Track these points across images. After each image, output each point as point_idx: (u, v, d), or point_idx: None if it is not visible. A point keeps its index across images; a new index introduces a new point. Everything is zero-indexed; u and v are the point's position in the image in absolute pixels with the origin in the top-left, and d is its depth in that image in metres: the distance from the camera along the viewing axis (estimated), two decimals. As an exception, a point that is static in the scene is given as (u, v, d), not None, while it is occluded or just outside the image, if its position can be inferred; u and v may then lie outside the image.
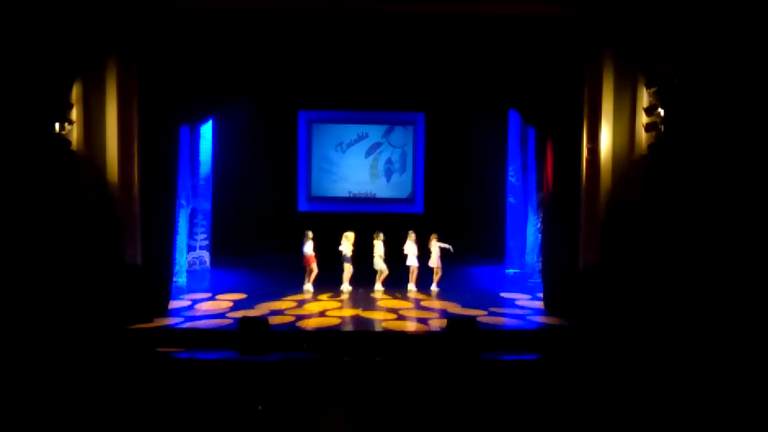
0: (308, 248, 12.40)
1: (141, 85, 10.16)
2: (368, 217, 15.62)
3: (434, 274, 12.58)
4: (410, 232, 12.61)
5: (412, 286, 12.46)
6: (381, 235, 12.58)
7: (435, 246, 12.54)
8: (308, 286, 12.26)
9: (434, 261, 12.53)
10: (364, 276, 12.61)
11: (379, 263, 12.42)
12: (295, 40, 10.39)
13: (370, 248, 12.49)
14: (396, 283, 12.48)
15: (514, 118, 13.85)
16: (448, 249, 12.56)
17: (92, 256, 9.78)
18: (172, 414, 5.48)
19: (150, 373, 6.67)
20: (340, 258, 12.36)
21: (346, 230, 12.53)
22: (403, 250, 12.54)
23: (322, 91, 14.39)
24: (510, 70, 10.59)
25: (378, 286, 12.39)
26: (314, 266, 12.38)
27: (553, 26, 10.32)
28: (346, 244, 12.39)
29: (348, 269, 12.41)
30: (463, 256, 14.48)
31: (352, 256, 12.40)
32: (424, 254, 12.59)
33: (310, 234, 12.52)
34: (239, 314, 10.07)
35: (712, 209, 9.53)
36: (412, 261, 12.48)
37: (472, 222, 15.63)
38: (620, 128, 10.28)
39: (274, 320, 9.85)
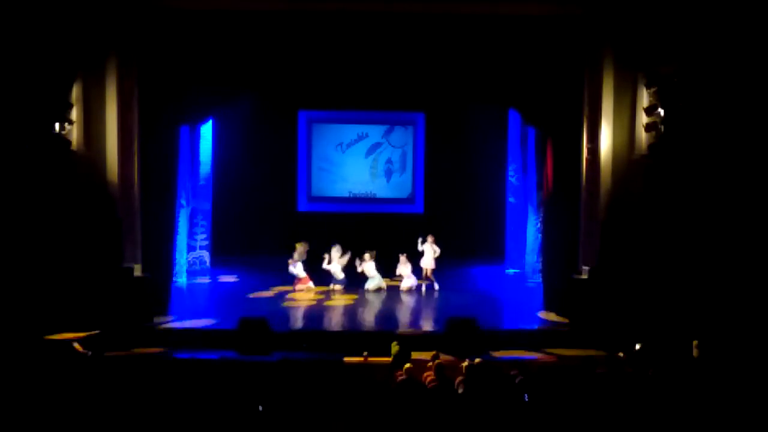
0: (299, 269, 12.21)
1: (141, 85, 10.17)
2: (368, 217, 15.63)
3: (429, 273, 12.57)
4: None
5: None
6: (367, 256, 12.45)
7: (430, 247, 12.51)
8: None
9: (429, 262, 12.51)
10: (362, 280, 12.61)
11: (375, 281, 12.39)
12: (295, 40, 10.40)
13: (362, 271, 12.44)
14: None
15: (514, 118, 13.84)
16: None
17: (92, 256, 9.79)
18: (172, 414, 5.49)
19: (150, 373, 6.68)
20: (330, 278, 12.34)
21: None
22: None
23: (323, 90, 14.36)
24: (510, 70, 10.60)
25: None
26: (304, 286, 12.23)
27: (553, 26, 10.33)
28: (336, 257, 12.29)
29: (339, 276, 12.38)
30: (463, 256, 14.48)
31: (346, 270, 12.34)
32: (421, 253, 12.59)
33: (301, 248, 12.33)
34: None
35: (712, 209, 9.54)
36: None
37: (472, 222, 15.61)
38: (620, 128, 10.28)
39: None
